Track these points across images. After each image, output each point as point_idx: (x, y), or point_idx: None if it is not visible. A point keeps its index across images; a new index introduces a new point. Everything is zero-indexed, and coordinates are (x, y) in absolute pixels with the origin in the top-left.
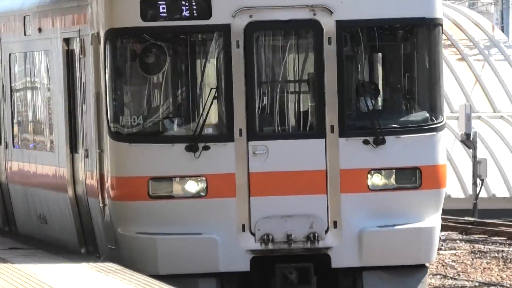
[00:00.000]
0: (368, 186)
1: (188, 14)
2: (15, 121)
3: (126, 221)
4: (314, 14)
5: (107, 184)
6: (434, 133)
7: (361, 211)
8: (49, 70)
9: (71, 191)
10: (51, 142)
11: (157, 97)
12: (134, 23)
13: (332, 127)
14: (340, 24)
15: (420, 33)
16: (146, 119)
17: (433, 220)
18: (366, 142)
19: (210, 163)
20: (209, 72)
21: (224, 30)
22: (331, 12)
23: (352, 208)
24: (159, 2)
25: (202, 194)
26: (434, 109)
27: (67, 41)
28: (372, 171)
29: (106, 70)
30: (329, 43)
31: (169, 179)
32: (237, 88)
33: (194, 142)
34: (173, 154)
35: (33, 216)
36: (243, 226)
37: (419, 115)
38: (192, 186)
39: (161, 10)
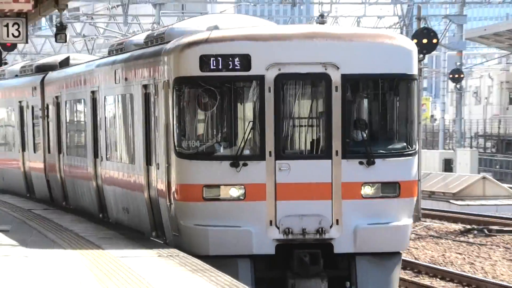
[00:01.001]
0: (361, 195)
1: (233, 67)
2: (107, 142)
3: (186, 216)
4: (325, 69)
5: (173, 189)
6: (410, 157)
7: (356, 213)
8: (132, 107)
9: (146, 193)
10: (133, 157)
11: (209, 127)
12: (195, 73)
13: (337, 151)
14: (344, 77)
15: (402, 85)
16: (201, 143)
17: (407, 220)
18: (361, 163)
19: (247, 176)
20: (248, 110)
21: (260, 79)
22: (338, 68)
23: (349, 210)
24: (213, 58)
25: (241, 198)
26: (409, 140)
27: (145, 86)
28: (365, 184)
29: (174, 107)
30: (336, 90)
31: (218, 186)
32: (268, 122)
33: (236, 160)
34: (221, 169)
35: (119, 208)
36: (271, 221)
37: (399, 144)
38: (234, 192)
39: (214, 64)
